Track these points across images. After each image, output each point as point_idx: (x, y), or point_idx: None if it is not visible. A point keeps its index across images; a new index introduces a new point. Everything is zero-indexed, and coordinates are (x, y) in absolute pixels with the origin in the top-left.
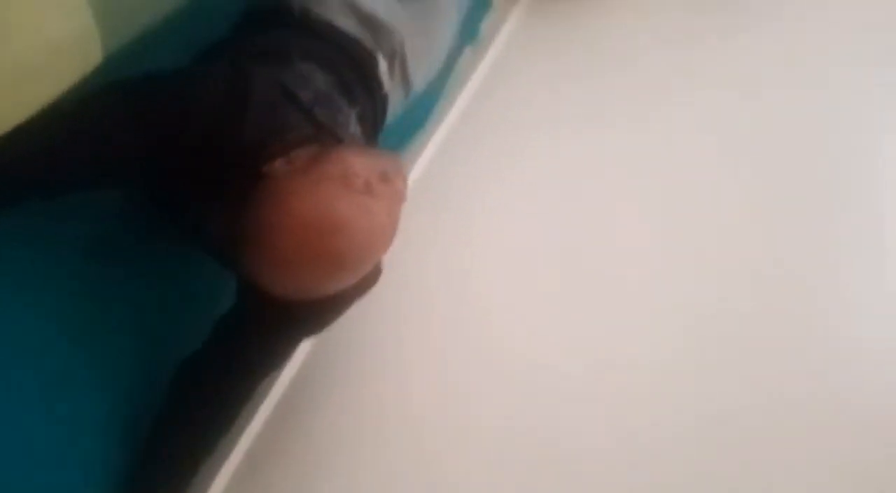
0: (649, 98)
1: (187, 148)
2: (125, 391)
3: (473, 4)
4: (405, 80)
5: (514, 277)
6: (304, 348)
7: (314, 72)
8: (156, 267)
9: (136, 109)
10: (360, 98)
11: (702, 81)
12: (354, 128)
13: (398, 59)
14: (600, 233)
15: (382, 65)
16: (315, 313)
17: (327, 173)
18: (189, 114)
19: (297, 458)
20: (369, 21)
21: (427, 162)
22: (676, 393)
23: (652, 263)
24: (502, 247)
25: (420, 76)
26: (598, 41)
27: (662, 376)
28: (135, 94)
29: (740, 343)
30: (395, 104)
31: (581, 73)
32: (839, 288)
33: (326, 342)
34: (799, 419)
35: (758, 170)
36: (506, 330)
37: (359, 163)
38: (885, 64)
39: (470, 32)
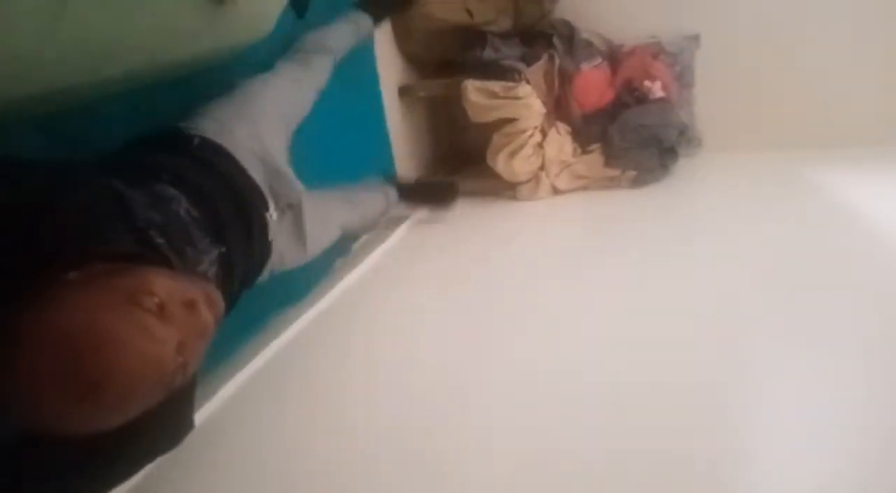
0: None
1: None
2: None
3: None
4: (300, 238)
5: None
6: None
7: (178, 199)
8: None
9: None
10: (231, 239)
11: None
12: (209, 267)
13: (293, 213)
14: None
15: (273, 211)
16: (83, 459)
17: (114, 286)
18: None
19: None
20: (273, 170)
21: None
22: None
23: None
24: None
25: (313, 244)
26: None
27: None
28: None
29: None
30: (290, 258)
31: (451, 268)
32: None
33: None
34: None
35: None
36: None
37: (161, 284)
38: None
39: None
